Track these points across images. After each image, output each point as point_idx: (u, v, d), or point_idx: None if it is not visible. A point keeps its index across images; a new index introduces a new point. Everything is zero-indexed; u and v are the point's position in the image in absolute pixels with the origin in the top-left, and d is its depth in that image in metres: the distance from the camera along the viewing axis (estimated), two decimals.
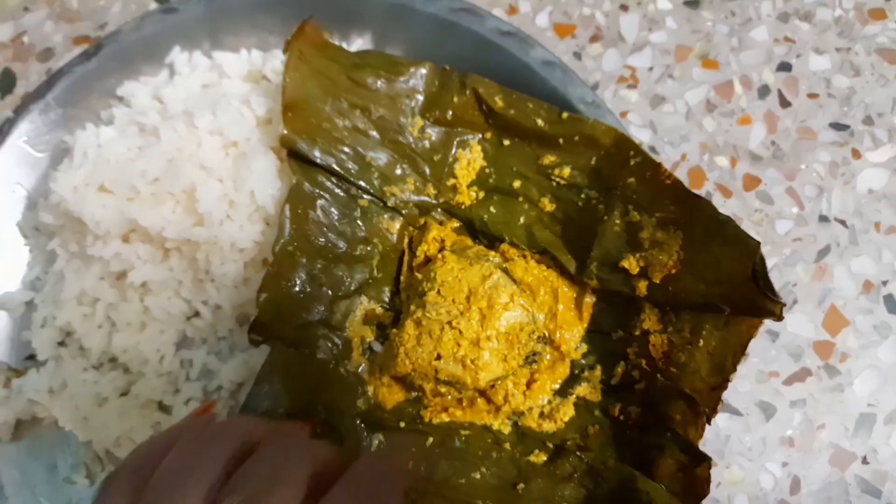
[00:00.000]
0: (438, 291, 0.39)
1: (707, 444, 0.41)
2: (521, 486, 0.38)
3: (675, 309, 0.38)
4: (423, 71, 0.43)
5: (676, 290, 0.37)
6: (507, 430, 0.40)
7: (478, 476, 0.38)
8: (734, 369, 0.35)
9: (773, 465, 0.41)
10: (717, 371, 0.36)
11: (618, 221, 0.39)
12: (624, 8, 0.50)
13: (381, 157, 0.42)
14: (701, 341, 0.37)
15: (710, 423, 0.35)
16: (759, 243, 0.33)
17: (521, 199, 0.43)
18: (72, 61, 0.46)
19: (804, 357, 0.43)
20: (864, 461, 0.41)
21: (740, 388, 0.42)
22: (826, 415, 0.42)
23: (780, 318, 0.33)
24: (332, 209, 0.41)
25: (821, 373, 0.42)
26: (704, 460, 0.35)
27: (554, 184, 0.42)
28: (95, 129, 0.43)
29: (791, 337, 0.43)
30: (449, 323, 0.38)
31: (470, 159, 0.44)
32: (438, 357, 0.38)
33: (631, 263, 0.38)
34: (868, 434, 0.41)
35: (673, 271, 0.37)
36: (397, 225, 0.43)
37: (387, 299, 0.43)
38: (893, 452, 0.41)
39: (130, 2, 0.53)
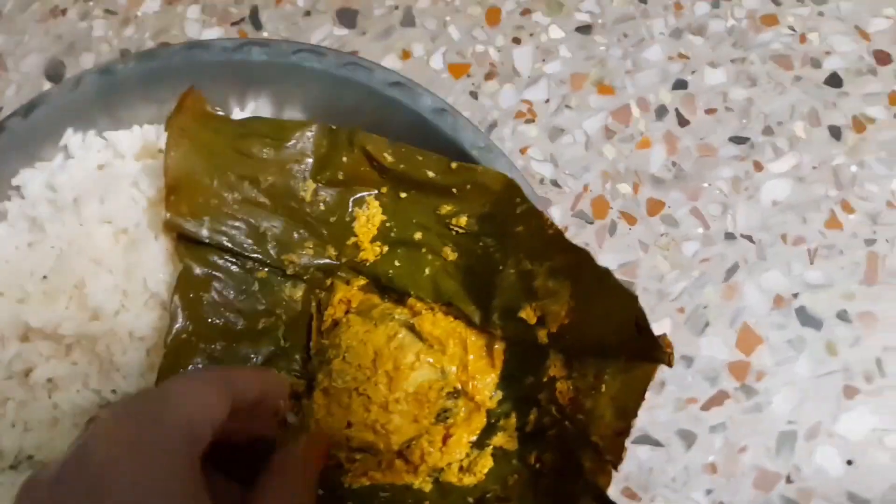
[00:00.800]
0: (344, 358, 0.39)
1: (630, 478, 0.41)
2: None
3: (577, 355, 0.38)
4: (310, 133, 0.42)
5: (573, 338, 0.37)
6: (428, 487, 0.40)
7: None
8: (635, 414, 0.35)
9: (698, 494, 0.41)
10: (620, 416, 0.35)
11: (512, 270, 0.39)
12: (517, 41, 0.50)
13: (275, 226, 0.42)
14: (604, 386, 0.36)
15: (616, 470, 0.35)
16: (635, 296, 0.32)
17: (424, 249, 0.43)
18: None
19: (720, 380, 0.43)
20: (789, 480, 0.41)
21: (659, 419, 0.42)
22: (747, 436, 0.42)
23: (670, 364, 0.33)
24: (228, 288, 0.41)
25: (738, 394, 0.42)
26: None
27: (453, 233, 0.42)
28: None
29: (706, 360, 0.43)
30: (356, 389, 0.38)
31: (368, 215, 0.43)
32: (349, 425, 0.38)
33: (528, 313, 0.38)
34: (791, 452, 0.41)
35: (566, 321, 0.37)
36: (300, 291, 0.43)
37: (298, 368, 0.42)
38: (817, 468, 0.41)
39: (24, 83, 0.53)
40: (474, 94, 0.49)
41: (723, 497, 0.41)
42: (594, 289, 0.36)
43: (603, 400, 0.36)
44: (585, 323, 0.36)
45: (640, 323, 0.33)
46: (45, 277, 0.39)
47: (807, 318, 0.43)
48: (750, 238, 0.45)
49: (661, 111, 0.48)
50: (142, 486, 0.23)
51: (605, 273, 0.35)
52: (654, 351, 0.33)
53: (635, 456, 0.36)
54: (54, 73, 0.54)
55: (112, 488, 0.23)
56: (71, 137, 0.46)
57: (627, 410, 0.35)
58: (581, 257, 0.36)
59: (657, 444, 0.42)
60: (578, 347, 0.37)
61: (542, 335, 0.38)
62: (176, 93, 0.46)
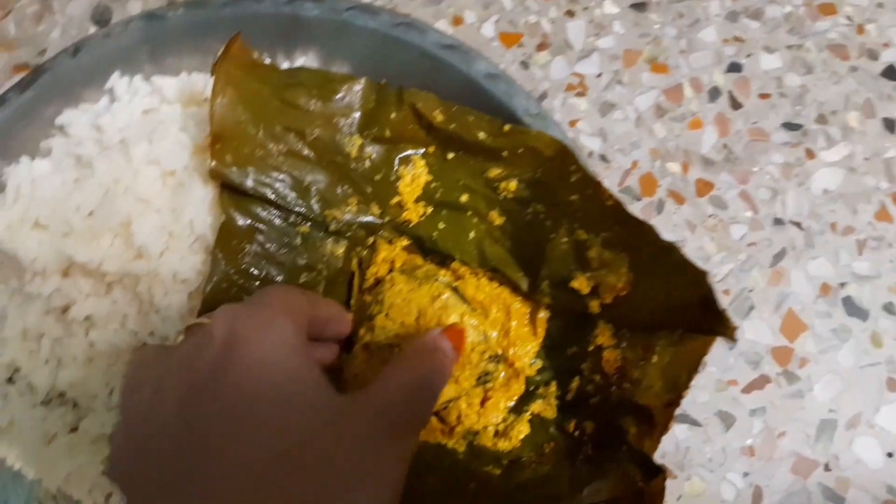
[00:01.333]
0: (387, 314, 0.39)
1: (667, 456, 0.41)
2: (473, 485, 0.37)
3: (628, 325, 0.37)
4: (358, 87, 0.42)
5: (628, 309, 0.36)
6: (461, 448, 0.39)
7: (429, 481, 0.37)
8: (687, 386, 0.34)
9: (735, 476, 0.40)
10: (670, 388, 0.35)
11: (565, 239, 0.38)
12: (570, 14, 0.49)
13: (320, 180, 0.41)
14: (655, 357, 0.36)
15: (661, 439, 0.34)
16: (705, 272, 0.32)
17: (469, 213, 0.42)
18: (9, 90, 0.45)
19: (762, 364, 0.42)
20: (827, 468, 0.40)
21: (699, 399, 0.42)
22: (786, 422, 0.41)
23: (733, 340, 0.32)
24: (270, 241, 0.40)
25: (780, 379, 0.42)
26: (659, 473, 0.34)
27: (501, 197, 0.41)
28: (30, 162, 0.42)
29: (749, 344, 0.42)
30: (399, 346, 0.38)
31: (414, 175, 0.43)
32: None
33: (581, 283, 0.37)
34: (829, 441, 0.41)
35: (623, 293, 0.36)
36: (342, 248, 0.42)
37: None
38: (855, 459, 0.40)
39: (70, 27, 0.52)
40: (525, 65, 0.49)
41: (759, 480, 0.40)
42: (656, 262, 0.35)
43: (652, 371, 0.36)
44: (644, 295, 0.36)
45: (708, 298, 0.32)
46: (91, 213, 0.39)
47: (853, 309, 0.43)
48: (799, 225, 0.44)
49: (714, 93, 0.47)
50: (267, 344, 0.27)
51: (671, 247, 0.34)
52: (716, 325, 0.32)
53: (673, 434, 0.35)
54: (101, 17, 0.53)
55: (240, 347, 0.26)
56: (117, 81, 0.46)
57: (679, 382, 0.35)
58: (644, 230, 0.35)
59: (695, 423, 0.41)
60: (632, 318, 0.36)
61: (595, 305, 0.37)
62: (223, 43, 0.46)
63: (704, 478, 0.40)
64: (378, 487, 0.25)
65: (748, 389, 0.42)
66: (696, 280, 0.33)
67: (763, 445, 0.41)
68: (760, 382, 0.42)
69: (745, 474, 0.40)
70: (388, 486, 0.25)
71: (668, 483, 0.40)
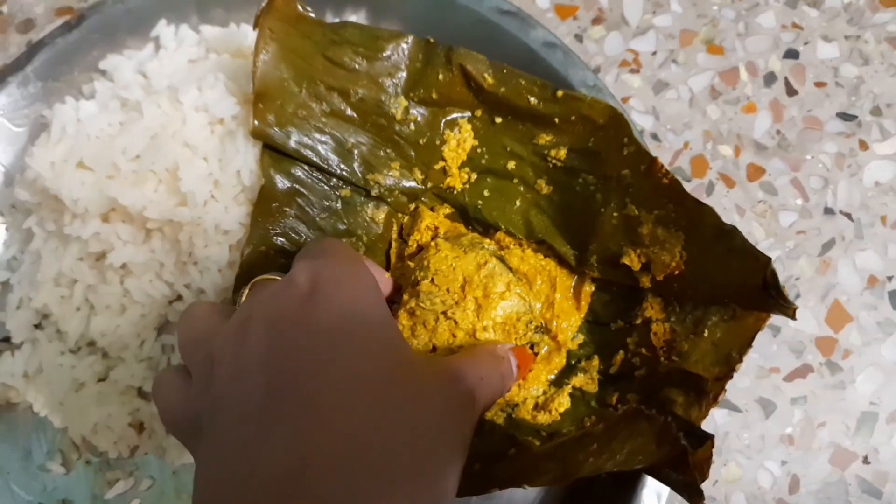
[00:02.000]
0: (432, 280, 0.38)
1: None
2: (513, 451, 0.36)
3: (679, 299, 0.36)
4: (405, 45, 0.40)
5: (681, 287, 0.35)
6: (500, 420, 0.39)
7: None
8: (740, 360, 0.33)
9: (772, 464, 0.40)
10: (721, 362, 0.34)
11: (615, 214, 0.37)
12: None
13: (363, 143, 0.40)
14: (706, 331, 0.35)
15: (713, 407, 0.33)
16: (769, 259, 0.31)
17: (515, 180, 0.41)
18: (53, 32, 0.44)
19: (806, 353, 0.41)
20: (865, 461, 0.40)
21: (739, 384, 0.41)
22: (827, 413, 0.41)
23: (793, 318, 0.31)
24: (311, 205, 0.39)
25: (822, 370, 0.41)
26: (706, 440, 0.33)
27: (550, 165, 0.40)
28: (75, 103, 0.41)
29: (793, 332, 0.42)
30: (444, 313, 0.37)
31: (459, 139, 0.41)
32: (434, 348, 0.37)
33: (632, 259, 0.37)
34: (870, 433, 0.40)
35: (676, 272, 0.35)
36: (383, 214, 0.41)
37: None
38: (895, 453, 0.40)
39: None
40: (579, 38, 0.48)
41: (797, 469, 0.40)
42: (716, 244, 0.34)
43: (704, 344, 0.35)
44: (698, 275, 0.35)
45: (770, 282, 0.31)
46: (137, 157, 0.38)
47: None
48: (849, 216, 0.44)
49: (770, 78, 0.46)
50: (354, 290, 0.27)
51: (733, 231, 0.33)
52: (774, 305, 0.32)
53: (711, 418, 0.34)
54: None
55: (329, 289, 0.26)
56: (164, 28, 0.45)
57: (731, 357, 0.34)
58: (703, 211, 0.34)
59: (735, 409, 0.41)
60: (684, 294, 0.36)
61: (646, 281, 0.37)
62: None
63: (741, 464, 0.40)
64: (451, 451, 0.26)
65: (790, 378, 0.41)
66: (759, 264, 0.32)
67: (802, 435, 0.40)
68: (803, 371, 0.41)
69: (783, 462, 0.40)
70: (458, 451, 0.26)
71: None
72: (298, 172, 0.40)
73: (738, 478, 0.40)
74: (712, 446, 0.32)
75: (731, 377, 0.33)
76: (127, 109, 0.40)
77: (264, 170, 0.39)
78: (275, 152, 0.39)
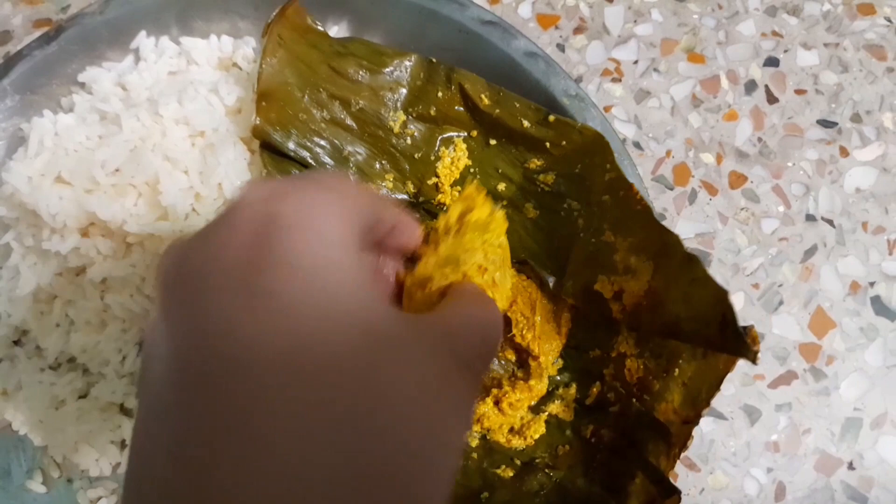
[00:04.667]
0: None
1: (691, 449, 0.40)
2: (485, 495, 0.36)
3: (651, 335, 0.36)
4: (409, 63, 0.41)
5: (647, 318, 0.34)
6: (474, 443, 0.38)
7: None
8: (707, 404, 0.32)
9: (758, 471, 0.40)
10: (689, 404, 0.33)
11: (592, 240, 0.37)
12: None
13: (359, 152, 0.41)
14: (676, 371, 0.34)
15: (679, 458, 0.33)
16: (725, 291, 0.29)
17: (504, 202, 0.41)
18: (31, 44, 0.44)
19: (790, 360, 0.42)
20: (851, 467, 0.40)
21: (725, 392, 0.41)
22: (812, 419, 0.41)
23: (755, 361, 0.29)
24: None
25: (807, 376, 0.41)
26: (674, 494, 0.33)
27: (538, 189, 0.40)
28: (54, 116, 0.41)
29: (777, 339, 0.42)
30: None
31: (454, 157, 0.42)
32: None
33: (605, 287, 0.36)
34: (854, 439, 0.40)
35: (643, 302, 0.34)
36: None
37: None
38: (880, 458, 0.40)
39: None
40: (561, 47, 0.48)
41: (782, 476, 0.40)
42: (678, 274, 0.33)
43: (673, 384, 0.34)
44: (663, 306, 0.33)
45: (727, 318, 0.30)
46: (116, 170, 0.38)
47: (881, 308, 0.43)
48: (831, 222, 0.44)
49: (751, 86, 0.47)
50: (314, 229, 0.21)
51: (694, 260, 0.32)
52: (738, 347, 0.29)
53: (698, 427, 0.34)
54: None
55: (276, 237, 0.20)
56: (144, 40, 0.45)
57: (699, 400, 0.33)
58: (669, 240, 0.33)
59: (721, 416, 0.41)
60: (652, 328, 0.35)
61: (617, 310, 0.36)
62: (255, 8, 0.45)
63: (728, 472, 0.40)
64: (454, 427, 0.21)
65: (775, 384, 0.41)
66: (717, 297, 0.30)
67: (788, 441, 0.40)
68: (787, 378, 0.41)
69: (769, 470, 0.40)
70: (459, 428, 0.21)
71: (692, 476, 0.39)
72: (295, 173, 0.39)
73: (724, 486, 0.40)
74: (678, 501, 0.32)
75: (698, 423, 0.32)
76: (106, 122, 0.40)
77: (265, 165, 0.39)
78: (273, 153, 0.39)
